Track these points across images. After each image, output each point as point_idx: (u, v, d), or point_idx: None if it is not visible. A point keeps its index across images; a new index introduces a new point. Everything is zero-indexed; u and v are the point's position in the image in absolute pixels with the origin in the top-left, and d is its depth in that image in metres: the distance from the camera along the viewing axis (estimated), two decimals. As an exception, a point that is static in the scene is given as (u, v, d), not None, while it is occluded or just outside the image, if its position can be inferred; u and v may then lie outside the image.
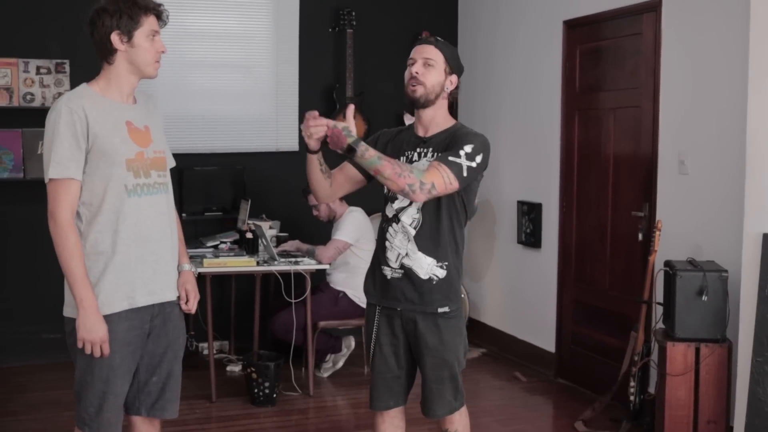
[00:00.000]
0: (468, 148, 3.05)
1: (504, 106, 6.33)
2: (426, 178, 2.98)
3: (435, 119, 3.22)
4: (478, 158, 3.08)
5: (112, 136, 2.87)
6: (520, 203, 6.08)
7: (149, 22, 2.91)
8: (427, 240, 3.16)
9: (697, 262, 4.31)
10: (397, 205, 3.20)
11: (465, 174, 3.04)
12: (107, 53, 2.90)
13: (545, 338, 5.90)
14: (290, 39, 6.51)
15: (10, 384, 5.54)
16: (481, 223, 6.61)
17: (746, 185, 4.12)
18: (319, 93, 6.61)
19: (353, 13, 6.49)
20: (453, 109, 3.29)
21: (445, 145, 3.14)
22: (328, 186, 3.26)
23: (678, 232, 4.66)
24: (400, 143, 3.27)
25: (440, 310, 3.20)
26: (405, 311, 3.22)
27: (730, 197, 4.29)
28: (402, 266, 3.19)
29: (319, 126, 2.96)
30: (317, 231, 6.05)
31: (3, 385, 5.51)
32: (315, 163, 3.17)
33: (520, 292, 6.19)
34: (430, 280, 3.17)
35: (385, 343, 3.29)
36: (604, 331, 5.36)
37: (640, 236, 4.99)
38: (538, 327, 5.97)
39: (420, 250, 3.16)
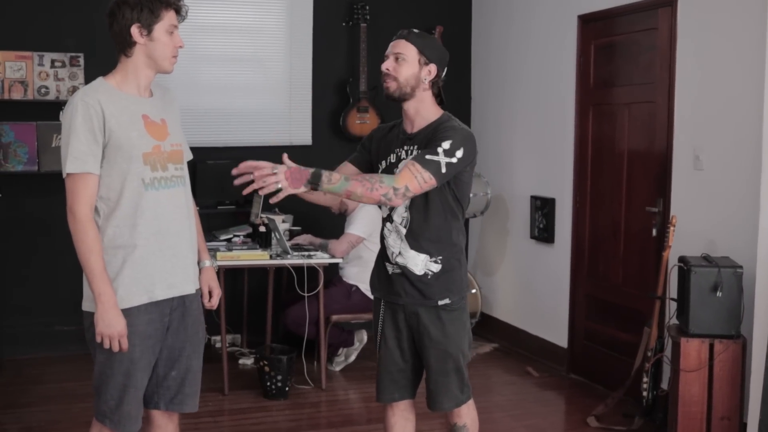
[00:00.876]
0: (446, 144, 3.03)
1: (518, 101, 6.32)
2: (399, 183, 2.98)
3: (420, 112, 3.20)
4: (459, 153, 3.04)
5: (128, 131, 2.88)
6: (534, 198, 6.06)
7: (169, 17, 2.92)
8: (418, 237, 3.17)
9: (711, 257, 4.29)
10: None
11: (444, 170, 3.02)
12: (126, 46, 2.91)
13: (558, 333, 5.88)
14: (304, 33, 6.51)
15: (24, 375, 5.57)
16: (494, 218, 6.60)
17: (762, 180, 4.10)
18: (332, 87, 6.61)
19: (367, 8, 6.49)
20: (441, 99, 3.27)
21: (427, 141, 3.13)
22: (332, 198, 3.33)
23: (692, 227, 4.64)
24: (390, 141, 3.27)
25: (441, 302, 3.21)
26: (408, 305, 3.24)
27: (746, 192, 4.27)
28: (397, 264, 3.22)
29: (268, 176, 2.99)
30: (330, 225, 6.05)
31: (17, 376, 5.54)
32: (311, 195, 3.22)
33: (532, 287, 6.18)
34: (425, 275, 3.19)
35: (390, 337, 3.31)
36: (617, 326, 5.34)
37: (654, 232, 4.97)
38: (551, 322, 5.96)
39: (412, 248, 3.18)
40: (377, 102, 6.51)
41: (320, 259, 5.34)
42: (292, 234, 5.88)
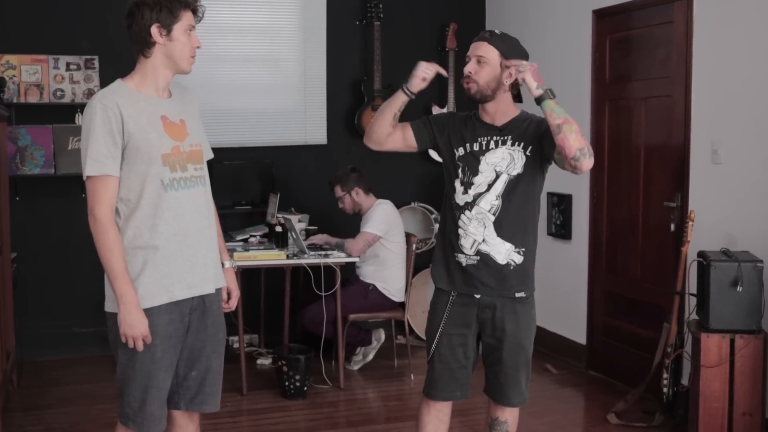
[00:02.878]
0: None
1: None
2: (589, 147, 3.04)
3: (499, 110, 3.24)
4: None
5: (147, 132, 2.89)
6: (550, 195, 6.03)
7: (187, 17, 2.94)
8: (506, 226, 3.18)
9: (731, 252, 4.25)
10: (474, 191, 3.19)
11: None
12: (145, 46, 2.92)
13: (576, 330, 5.86)
14: (318, 32, 6.51)
15: (43, 377, 5.59)
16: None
17: (781, 174, 4.07)
18: (347, 86, 6.61)
19: (380, 6, 6.47)
20: (519, 97, 3.31)
21: (526, 133, 3.18)
22: (387, 132, 3.25)
23: (711, 222, 4.60)
24: (472, 129, 3.26)
25: (518, 295, 3.23)
26: (483, 297, 3.21)
27: (764, 186, 4.24)
28: (478, 252, 3.19)
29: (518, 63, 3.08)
30: (346, 224, 6.05)
31: (36, 378, 5.57)
32: (398, 105, 3.22)
33: (550, 284, 6.15)
34: (507, 265, 3.19)
35: (454, 333, 3.27)
36: (636, 322, 5.31)
37: (673, 227, 4.94)
38: (569, 319, 5.93)
39: (499, 235, 3.17)
40: (392, 100, 6.49)
41: (337, 258, 5.33)
42: (308, 233, 5.87)
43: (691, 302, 4.49)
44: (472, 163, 3.20)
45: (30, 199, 5.92)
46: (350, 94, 6.61)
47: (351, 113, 6.58)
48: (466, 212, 3.20)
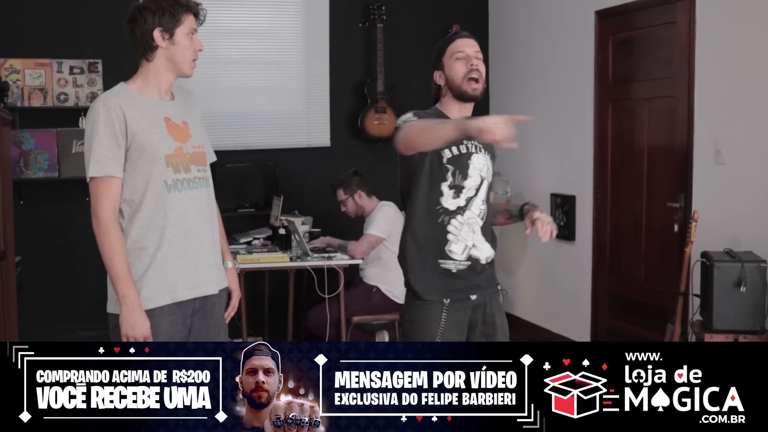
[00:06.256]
0: None
1: (536, 97, 6.29)
2: None
3: (470, 113, 3.20)
4: None
5: (150, 133, 2.90)
6: (554, 196, 6.03)
7: (189, 21, 2.95)
8: (486, 229, 3.18)
9: (734, 252, 4.24)
10: (465, 195, 3.12)
11: None
12: (148, 50, 2.93)
13: (580, 331, 5.85)
14: (320, 35, 6.51)
15: (48, 381, 5.59)
16: (514, 216, 6.57)
17: (784, 174, 4.06)
18: (350, 88, 6.61)
19: (383, 8, 6.48)
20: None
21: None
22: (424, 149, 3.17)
23: (715, 222, 4.60)
24: None
25: (498, 287, 3.31)
26: (477, 298, 3.19)
27: (768, 187, 4.23)
28: (469, 257, 3.15)
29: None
30: (350, 226, 6.05)
31: (41, 382, 5.56)
32: (451, 140, 2.91)
33: (554, 285, 6.15)
34: (489, 262, 3.21)
35: (452, 341, 3.22)
36: (640, 323, 5.31)
37: (676, 227, 4.93)
38: (573, 320, 5.92)
39: (485, 239, 3.18)
40: (395, 102, 6.50)
41: (340, 260, 5.33)
42: (311, 236, 5.88)
43: (695, 303, 4.48)
44: (462, 167, 3.11)
45: (34, 202, 5.93)
46: (353, 97, 6.61)
47: (354, 115, 6.58)
48: (458, 217, 3.12)
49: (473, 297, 3.18)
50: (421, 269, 3.16)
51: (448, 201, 3.12)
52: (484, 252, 3.18)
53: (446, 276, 3.14)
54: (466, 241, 3.14)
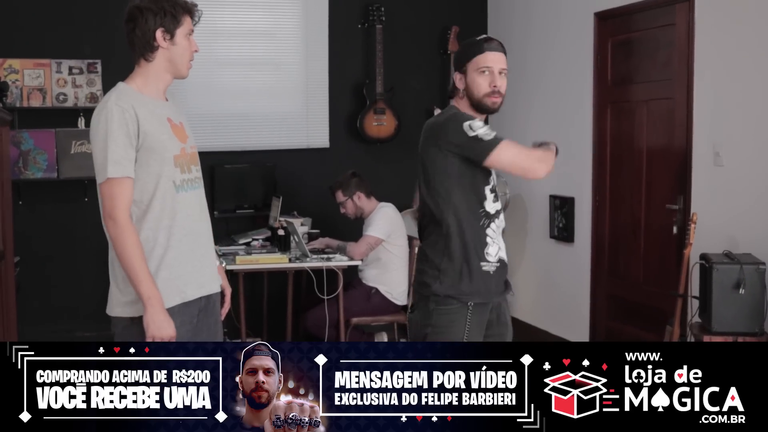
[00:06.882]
0: None
1: (535, 99, 6.29)
2: None
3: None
4: None
5: (160, 133, 2.90)
6: (552, 197, 6.03)
7: (188, 22, 2.96)
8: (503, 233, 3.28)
9: (733, 254, 4.25)
10: (496, 201, 3.25)
11: None
12: (148, 50, 2.93)
13: (579, 333, 5.85)
14: (320, 35, 6.51)
15: (46, 382, 5.58)
16: (513, 218, 6.57)
17: (783, 176, 4.07)
18: (349, 89, 6.61)
19: (382, 9, 6.48)
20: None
21: None
22: None
23: (713, 224, 4.60)
24: None
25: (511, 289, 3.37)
26: (495, 300, 3.24)
27: (767, 188, 4.23)
28: (499, 260, 3.21)
29: None
30: (349, 227, 6.05)
31: (40, 382, 5.56)
32: None
33: (553, 287, 6.15)
34: (507, 266, 3.29)
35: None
36: (639, 325, 5.31)
37: (675, 229, 4.94)
38: (572, 322, 5.92)
39: (504, 242, 3.27)
40: (394, 103, 6.50)
41: (339, 261, 5.33)
42: (310, 237, 5.88)
43: (694, 305, 4.49)
44: (497, 171, 3.25)
45: (33, 203, 5.93)
46: (352, 98, 6.61)
47: (353, 116, 6.58)
48: (496, 221, 3.20)
49: (496, 299, 3.24)
50: (462, 272, 3.14)
51: (490, 204, 3.19)
52: (505, 254, 3.27)
53: (486, 277, 3.17)
54: (499, 243, 3.22)
